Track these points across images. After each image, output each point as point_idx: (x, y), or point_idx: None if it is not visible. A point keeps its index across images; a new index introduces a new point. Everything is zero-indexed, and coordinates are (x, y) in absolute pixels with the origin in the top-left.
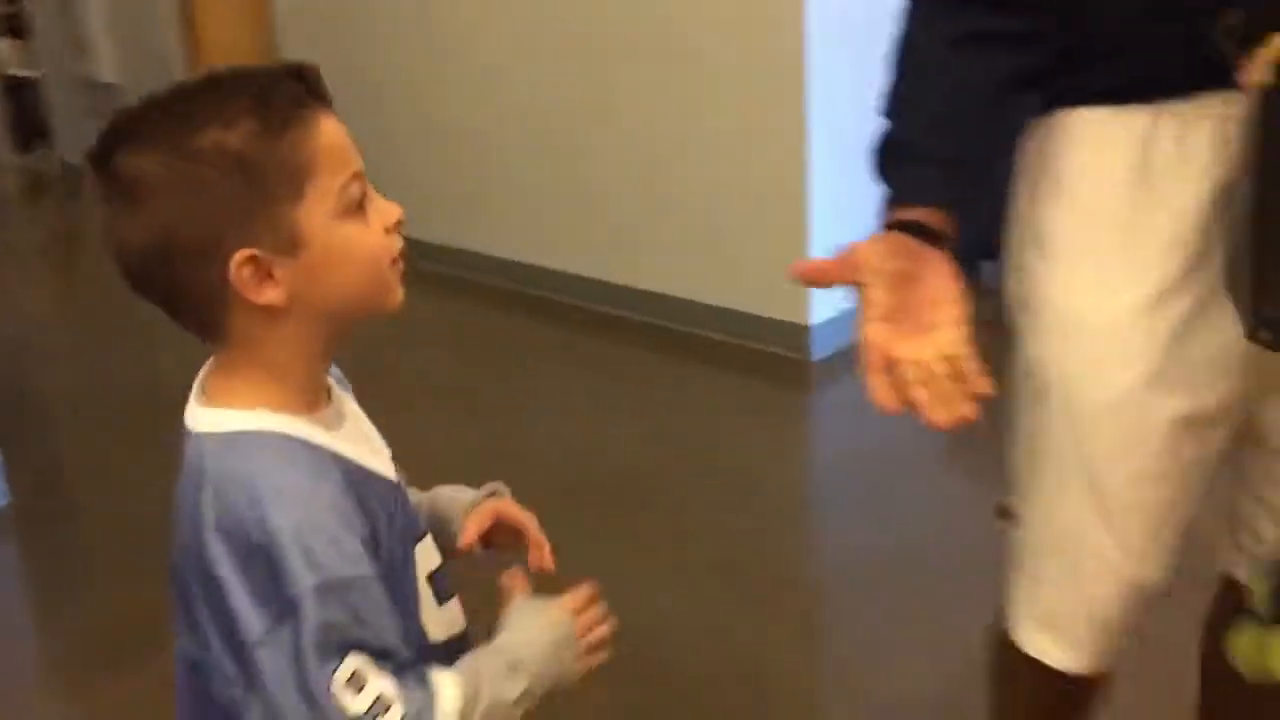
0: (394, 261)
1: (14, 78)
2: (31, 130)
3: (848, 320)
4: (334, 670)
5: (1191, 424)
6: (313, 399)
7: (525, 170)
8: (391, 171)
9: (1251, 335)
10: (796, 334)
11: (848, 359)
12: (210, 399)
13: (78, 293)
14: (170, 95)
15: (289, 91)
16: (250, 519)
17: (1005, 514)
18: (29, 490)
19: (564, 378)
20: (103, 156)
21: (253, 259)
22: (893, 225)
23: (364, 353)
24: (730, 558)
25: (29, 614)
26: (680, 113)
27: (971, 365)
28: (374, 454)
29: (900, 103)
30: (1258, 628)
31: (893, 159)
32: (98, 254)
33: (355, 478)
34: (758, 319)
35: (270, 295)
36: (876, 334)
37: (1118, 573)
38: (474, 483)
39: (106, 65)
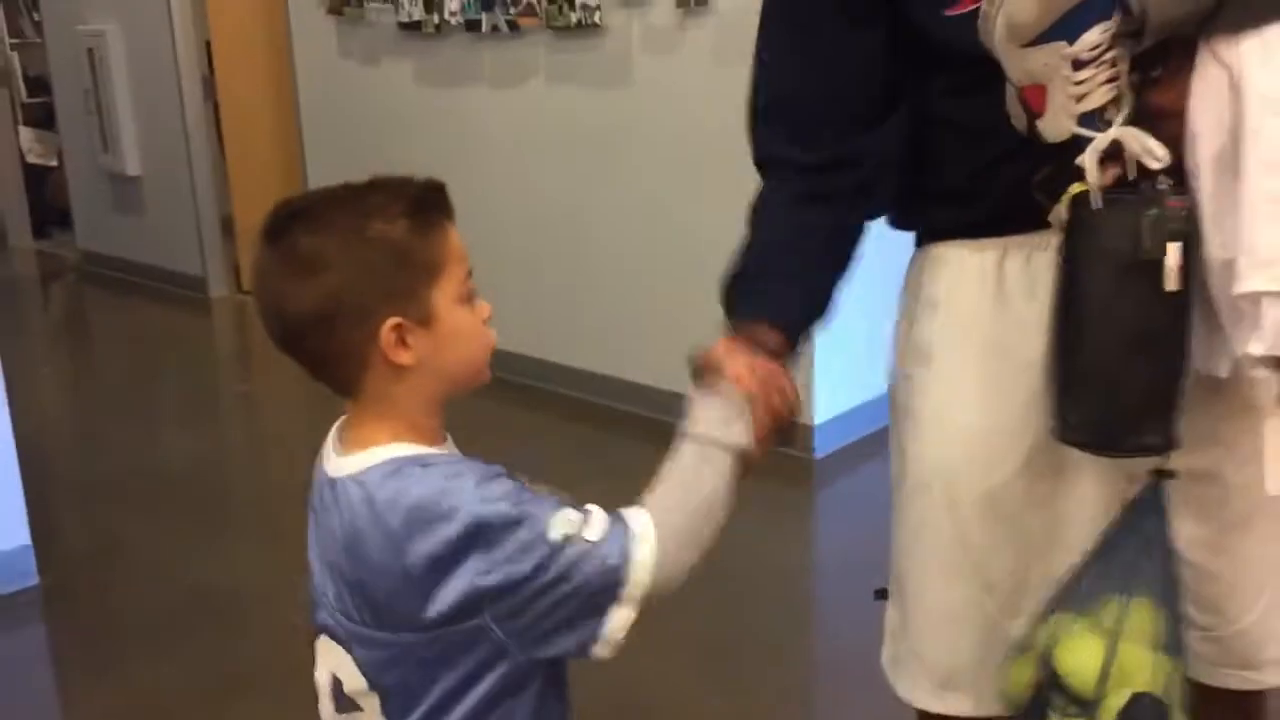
0: (489, 346)
1: (36, 166)
2: (49, 217)
3: (850, 419)
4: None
5: (1058, 503)
6: (437, 438)
7: (527, 268)
8: None
9: (1059, 437)
10: (799, 432)
11: (850, 457)
12: (353, 447)
13: (92, 377)
14: (341, 191)
15: (433, 202)
16: (447, 513)
17: (883, 595)
18: (58, 571)
19: (563, 466)
20: (279, 233)
21: (398, 326)
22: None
23: None
24: (731, 651)
25: (59, 693)
26: (674, 214)
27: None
28: None
29: (746, 246)
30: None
31: (734, 289)
32: (109, 338)
33: None
34: None
35: (405, 357)
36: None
37: (1005, 632)
38: None
39: (130, 159)
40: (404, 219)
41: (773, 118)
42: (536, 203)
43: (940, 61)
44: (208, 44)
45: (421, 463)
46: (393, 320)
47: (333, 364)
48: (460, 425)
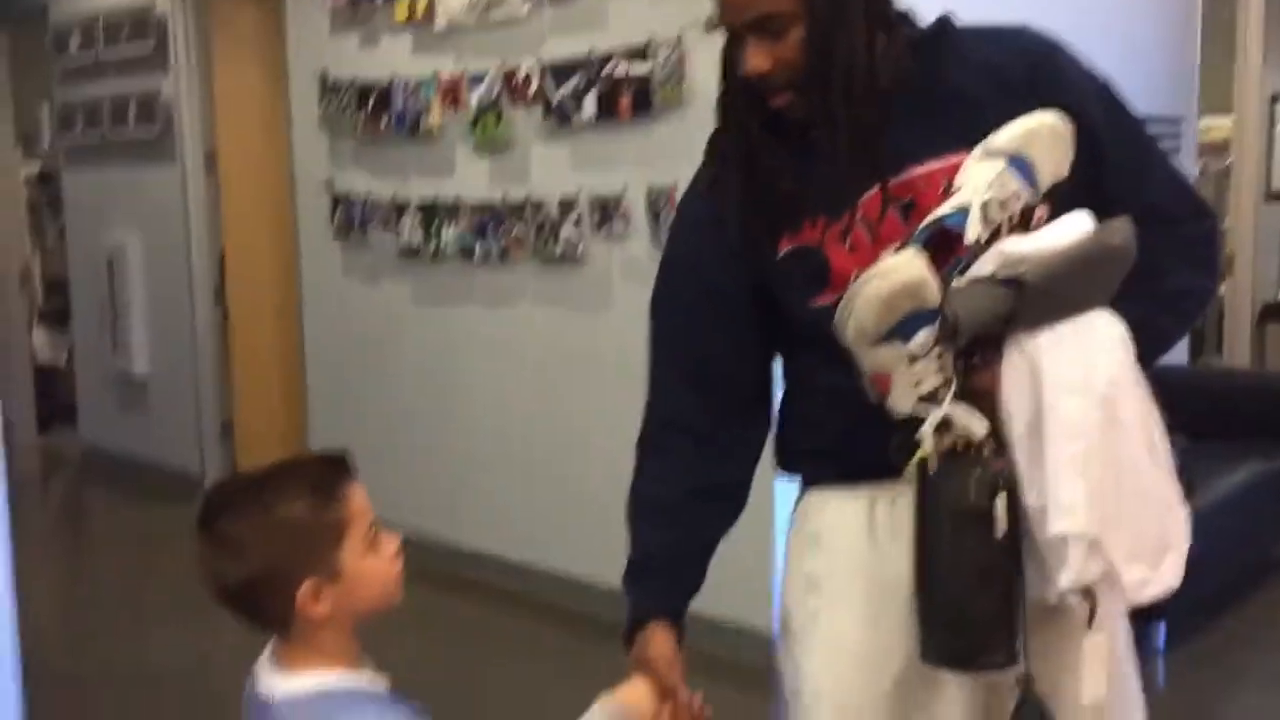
0: (397, 577)
1: (44, 366)
2: (53, 412)
3: None
4: None
5: (933, 706)
6: (356, 663)
7: (505, 474)
8: (399, 475)
9: (921, 657)
10: (759, 640)
11: None
12: (287, 668)
13: (89, 572)
14: (253, 480)
15: (332, 475)
16: None
17: None
18: None
19: (535, 672)
20: (207, 522)
21: (311, 586)
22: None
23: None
24: None
25: None
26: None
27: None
28: None
29: (641, 542)
30: None
31: (640, 585)
32: (107, 533)
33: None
34: (721, 624)
35: (320, 610)
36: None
37: None
38: None
39: (139, 360)
40: (305, 498)
41: (668, 426)
42: (520, 414)
43: (810, 341)
44: (222, 256)
45: (354, 698)
46: (307, 584)
47: (264, 618)
48: (444, 627)
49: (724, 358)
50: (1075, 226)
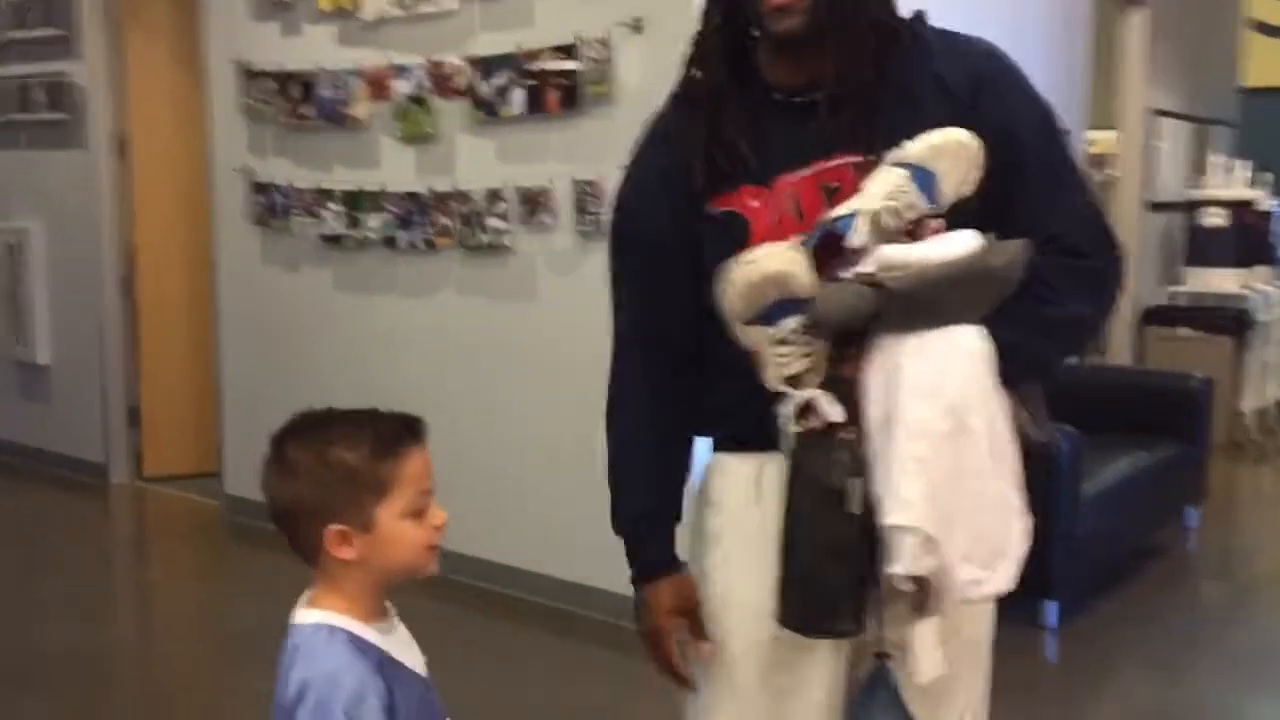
0: (431, 548)
1: None
2: None
3: None
4: None
5: (804, 657)
6: (371, 613)
7: (439, 465)
8: None
9: (776, 619)
10: None
11: None
12: (310, 604)
13: None
14: (326, 415)
15: (398, 434)
16: (305, 677)
17: None
18: None
19: (454, 653)
20: (279, 442)
21: (341, 531)
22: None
23: None
24: None
25: None
26: (569, 416)
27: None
28: (411, 658)
29: (623, 497)
30: None
31: (646, 535)
32: (5, 525)
33: (387, 664)
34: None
35: (345, 554)
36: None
37: None
38: None
39: (41, 349)
40: (363, 447)
41: (635, 341)
42: (445, 404)
43: (713, 307)
44: (131, 243)
45: (336, 636)
46: (334, 526)
47: (299, 543)
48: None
49: (671, 308)
50: (960, 242)
